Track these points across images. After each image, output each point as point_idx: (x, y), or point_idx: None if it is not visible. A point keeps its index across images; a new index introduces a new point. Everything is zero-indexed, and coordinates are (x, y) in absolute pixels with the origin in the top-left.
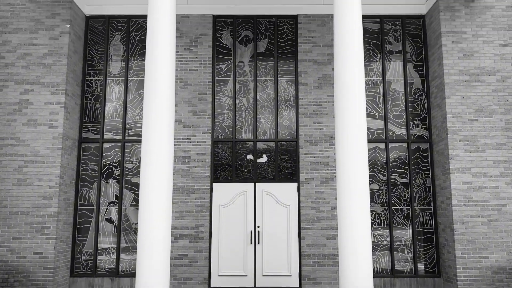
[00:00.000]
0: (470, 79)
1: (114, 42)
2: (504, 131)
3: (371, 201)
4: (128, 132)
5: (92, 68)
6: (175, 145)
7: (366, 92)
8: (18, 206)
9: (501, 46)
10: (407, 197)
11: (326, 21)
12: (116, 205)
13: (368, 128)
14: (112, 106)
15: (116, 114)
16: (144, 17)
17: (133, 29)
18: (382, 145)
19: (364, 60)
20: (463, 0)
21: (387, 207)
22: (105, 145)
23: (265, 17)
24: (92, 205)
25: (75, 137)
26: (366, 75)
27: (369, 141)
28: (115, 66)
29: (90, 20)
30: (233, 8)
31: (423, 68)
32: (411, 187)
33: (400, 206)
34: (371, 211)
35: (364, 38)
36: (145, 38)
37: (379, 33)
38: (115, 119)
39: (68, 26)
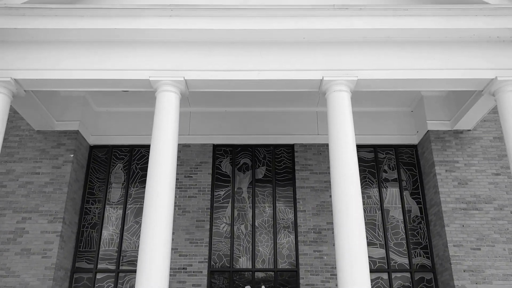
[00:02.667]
0: (467, 207)
1: (115, 170)
2: (509, 261)
3: None
4: (122, 259)
5: (91, 196)
6: (170, 275)
7: (365, 219)
8: None
9: (494, 175)
10: None
11: (321, 150)
12: None
13: (369, 257)
14: (108, 234)
15: (112, 242)
16: (146, 147)
17: (135, 158)
18: (385, 275)
19: (361, 188)
20: (452, 131)
21: None
22: (98, 275)
23: (263, 146)
24: None
25: (68, 267)
26: (364, 202)
27: (371, 271)
28: (115, 193)
29: (94, 149)
30: (232, 137)
31: (419, 196)
32: None
33: None
34: None
35: (359, 166)
36: (146, 166)
37: (374, 162)
38: (110, 248)
39: (72, 155)
